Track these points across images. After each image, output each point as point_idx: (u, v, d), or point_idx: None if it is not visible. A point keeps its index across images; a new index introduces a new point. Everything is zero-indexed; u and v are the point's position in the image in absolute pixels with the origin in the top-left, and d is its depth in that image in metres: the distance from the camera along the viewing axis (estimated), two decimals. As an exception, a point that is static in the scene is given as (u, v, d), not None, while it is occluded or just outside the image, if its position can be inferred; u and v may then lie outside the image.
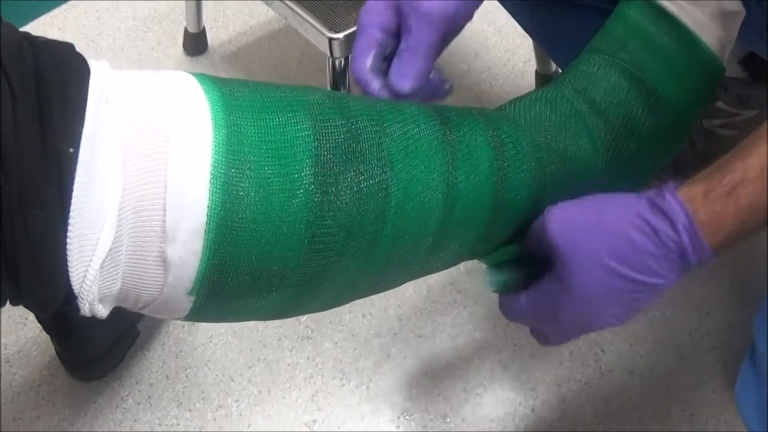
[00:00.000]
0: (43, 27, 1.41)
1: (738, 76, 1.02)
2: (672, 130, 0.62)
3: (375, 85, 0.60)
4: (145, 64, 1.37)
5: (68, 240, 0.41)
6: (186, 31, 1.36)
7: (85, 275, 0.42)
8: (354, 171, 0.49)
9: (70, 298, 0.43)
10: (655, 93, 0.60)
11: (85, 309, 0.44)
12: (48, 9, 1.45)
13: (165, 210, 0.43)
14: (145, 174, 0.43)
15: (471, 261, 0.61)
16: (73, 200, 0.41)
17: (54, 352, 0.96)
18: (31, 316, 1.00)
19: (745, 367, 0.55)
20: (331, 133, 0.49)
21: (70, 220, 0.41)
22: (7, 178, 0.39)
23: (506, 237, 0.60)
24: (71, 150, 0.41)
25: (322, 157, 0.47)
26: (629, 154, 0.61)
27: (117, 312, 0.93)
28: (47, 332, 0.92)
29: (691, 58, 0.60)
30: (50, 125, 0.41)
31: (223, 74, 1.28)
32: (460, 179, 0.54)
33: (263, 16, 1.45)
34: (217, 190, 0.44)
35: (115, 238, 0.42)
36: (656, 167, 0.64)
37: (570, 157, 0.60)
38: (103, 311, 0.45)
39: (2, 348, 0.99)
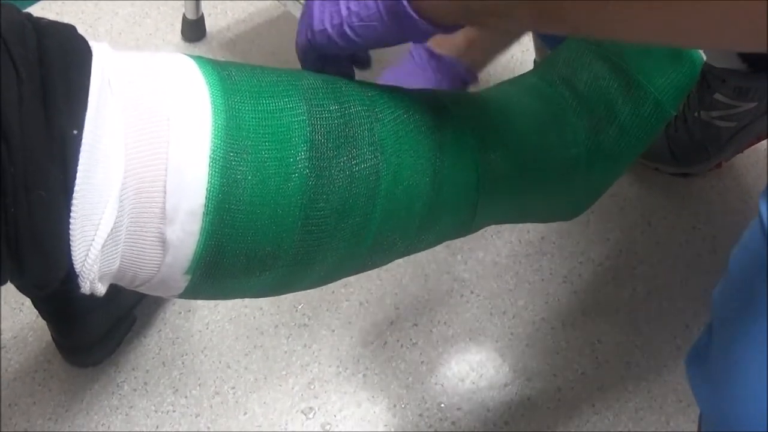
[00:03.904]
0: (41, 12, 1.39)
1: (737, 68, 1.02)
2: (652, 118, 0.63)
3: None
4: (143, 50, 1.36)
5: (71, 220, 0.42)
6: (184, 17, 1.35)
7: (87, 255, 0.43)
8: (347, 155, 0.50)
9: (69, 276, 0.44)
10: (637, 82, 0.61)
11: (85, 287, 0.45)
12: (46, -6, 1.44)
13: (165, 192, 0.44)
14: (146, 157, 0.43)
15: (469, 254, 0.61)
16: (77, 182, 0.41)
17: (50, 337, 0.96)
18: (28, 302, 1.00)
19: (703, 337, 0.56)
20: (325, 117, 0.50)
21: (74, 201, 0.42)
22: (12, 160, 0.40)
23: (490, 218, 0.61)
24: (75, 132, 0.41)
25: (316, 142, 0.48)
26: (609, 141, 0.62)
27: (114, 298, 0.94)
28: (44, 318, 0.92)
29: (672, 48, 0.61)
30: (54, 107, 0.41)
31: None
32: (447, 164, 0.55)
33: (262, 2, 1.44)
34: (216, 174, 0.45)
35: (116, 219, 0.43)
36: (634, 155, 0.65)
37: (552, 142, 0.60)
38: (102, 289, 0.46)
39: (-2, 333, 1.00)
